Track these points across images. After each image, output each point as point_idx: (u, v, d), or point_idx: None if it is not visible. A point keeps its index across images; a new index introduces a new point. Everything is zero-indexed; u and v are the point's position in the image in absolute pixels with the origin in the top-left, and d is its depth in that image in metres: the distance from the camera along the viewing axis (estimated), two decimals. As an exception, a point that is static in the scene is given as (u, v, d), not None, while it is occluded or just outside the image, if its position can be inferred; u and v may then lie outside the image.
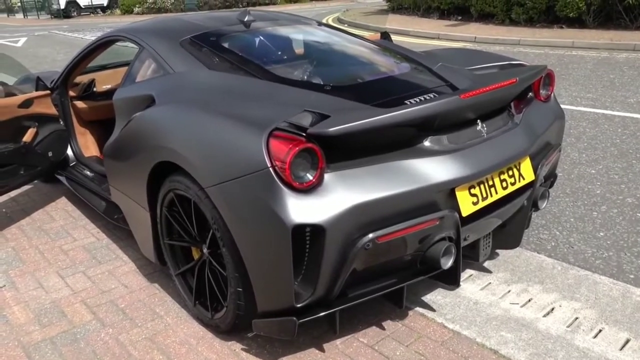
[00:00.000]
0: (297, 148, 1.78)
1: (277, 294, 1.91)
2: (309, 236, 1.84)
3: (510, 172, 2.29)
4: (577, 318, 2.32)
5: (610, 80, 6.90)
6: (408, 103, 2.21)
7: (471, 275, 2.65)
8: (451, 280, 2.17)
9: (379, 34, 4.39)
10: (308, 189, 1.82)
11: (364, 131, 1.85)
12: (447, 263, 2.07)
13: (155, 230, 2.51)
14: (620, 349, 2.13)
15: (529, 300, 2.46)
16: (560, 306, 2.41)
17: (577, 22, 11.16)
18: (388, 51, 3.01)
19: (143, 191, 2.45)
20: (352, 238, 1.87)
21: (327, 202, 1.82)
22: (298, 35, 3.09)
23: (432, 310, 2.40)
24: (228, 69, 2.53)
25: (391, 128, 1.92)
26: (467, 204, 2.11)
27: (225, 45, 2.76)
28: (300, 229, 1.80)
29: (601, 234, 3.05)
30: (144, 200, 2.47)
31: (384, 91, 2.37)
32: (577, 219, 3.23)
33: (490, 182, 2.20)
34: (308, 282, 1.89)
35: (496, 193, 2.23)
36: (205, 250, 2.25)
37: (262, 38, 2.92)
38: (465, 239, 2.19)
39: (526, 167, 2.37)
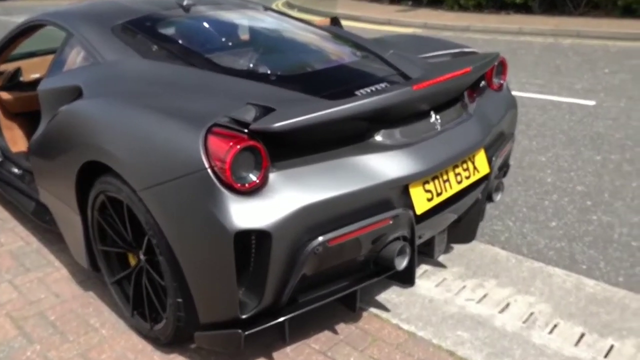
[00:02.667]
0: (238, 146, 1.63)
1: (220, 305, 1.76)
2: (253, 242, 1.69)
3: (465, 166, 2.21)
4: (532, 313, 2.28)
5: (557, 66, 7.01)
6: (359, 94, 2.08)
7: (426, 270, 2.58)
8: (406, 279, 2.07)
9: (328, 20, 4.23)
10: (251, 191, 1.67)
11: (312, 126, 1.71)
12: (402, 263, 1.97)
13: (87, 234, 2.30)
14: (576, 344, 2.10)
15: (485, 296, 2.40)
16: (515, 301, 2.37)
17: (524, 8, 11.34)
18: (337, 38, 2.87)
19: (72, 193, 2.23)
20: (300, 242, 1.73)
21: (272, 204, 1.68)
22: (242, 21, 2.90)
23: (387, 310, 2.30)
24: (164, 57, 2.33)
25: (341, 122, 1.79)
26: (421, 200, 2.01)
27: (162, 31, 2.55)
28: (243, 235, 1.65)
29: (553, 223, 3.04)
30: (74, 203, 2.26)
31: (333, 81, 2.24)
32: (530, 209, 3.22)
33: (445, 177, 2.11)
34: (254, 291, 1.75)
35: (451, 188, 2.14)
36: (142, 257, 2.06)
37: (202, 24, 2.72)
38: (420, 237, 2.10)
39: (481, 159, 2.30)
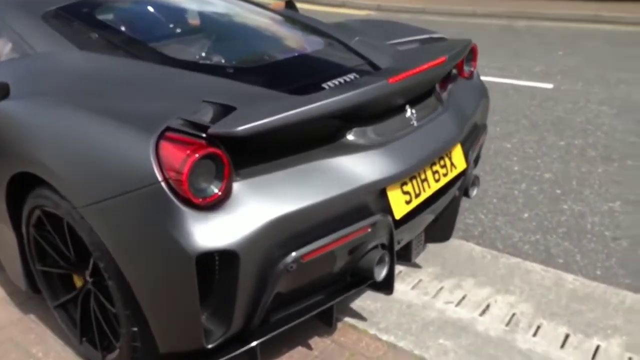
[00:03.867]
0: (196, 155, 1.41)
1: (183, 335, 1.56)
2: (217, 263, 1.49)
3: (442, 162, 2.07)
4: (514, 314, 2.18)
5: (514, 49, 7.01)
6: (326, 87, 1.89)
7: (400, 272, 2.44)
8: (385, 288, 1.92)
9: (283, 3, 3.99)
10: (212, 205, 1.46)
11: (280, 127, 1.51)
12: (382, 273, 1.81)
13: (24, 253, 2.03)
14: (562, 347, 2.01)
15: (464, 298, 2.29)
16: (495, 301, 2.26)
17: (476, -10, 11.35)
18: (297, 24, 2.66)
19: (2, 206, 1.95)
20: (271, 260, 1.54)
21: (237, 219, 1.48)
22: (191, 5, 2.64)
23: (363, 319, 2.15)
24: (105, 49, 2.06)
25: (312, 121, 1.60)
26: (399, 204, 1.85)
27: (101, 18, 2.27)
28: (206, 256, 1.44)
29: (525, 215, 2.97)
30: (5, 217, 1.98)
31: (297, 73, 2.04)
32: (500, 200, 3.13)
33: (423, 176, 1.96)
34: (220, 317, 1.55)
35: (429, 187, 1.99)
36: (88, 279, 1.83)
37: (147, 9, 2.45)
38: (398, 243, 1.95)
39: (457, 154, 2.16)
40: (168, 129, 1.49)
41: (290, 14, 2.93)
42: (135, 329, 1.64)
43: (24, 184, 1.85)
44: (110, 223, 1.51)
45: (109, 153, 1.51)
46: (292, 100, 1.64)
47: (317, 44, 2.37)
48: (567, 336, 2.06)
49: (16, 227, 1.99)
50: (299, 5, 4.03)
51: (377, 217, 1.74)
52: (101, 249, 1.58)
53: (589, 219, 2.89)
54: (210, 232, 1.44)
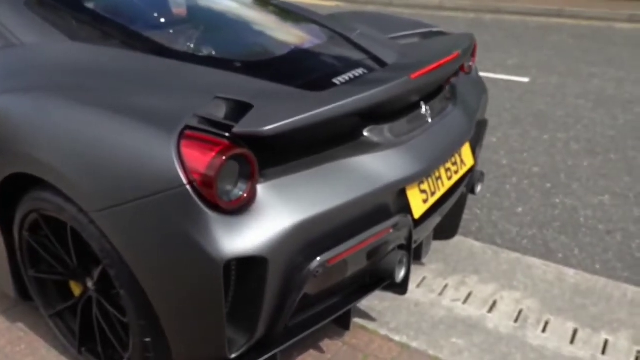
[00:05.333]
0: (224, 156, 1.32)
1: (205, 345, 1.47)
2: (244, 269, 1.41)
3: (454, 160, 2.04)
4: (521, 310, 2.19)
5: (485, 42, 7.09)
6: (337, 82, 1.83)
7: (405, 269, 2.41)
8: (401, 289, 1.88)
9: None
10: (239, 208, 1.38)
11: (306, 127, 1.44)
12: (401, 274, 1.77)
13: (14, 258, 1.89)
14: (572, 342, 2.03)
15: (470, 295, 2.28)
16: (502, 298, 2.26)
17: (443, -17, 11.45)
18: (294, 15, 2.57)
19: (-10, 210, 1.81)
20: (298, 264, 1.47)
21: (265, 223, 1.40)
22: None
23: (373, 320, 2.11)
24: (99, 40, 1.93)
25: (335, 120, 1.53)
26: (418, 203, 1.81)
27: (92, 6, 2.12)
28: (233, 262, 1.36)
29: (519, 209, 2.99)
30: (-6, 221, 1.83)
31: (305, 68, 1.96)
32: (493, 194, 3.15)
33: (437, 174, 1.93)
34: (244, 325, 1.47)
35: (443, 186, 1.96)
36: (90, 287, 1.71)
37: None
38: (415, 242, 1.91)
39: (466, 151, 2.14)
40: (187, 127, 1.40)
41: (284, 5, 2.84)
42: (148, 339, 1.54)
43: (16, 186, 1.72)
44: (126, 229, 1.40)
45: (124, 153, 1.40)
46: (316, 97, 1.57)
47: (318, 37, 2.29)
48: (575, 331, 2.08)
49: (5, 230, 1.84)
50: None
51: (398, 218, 1.69)
52: (113, 256, 1.48)
53: (582, 212, 2.93)
54: (238, 237, 1.35)
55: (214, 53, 1.99)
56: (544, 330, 2.08)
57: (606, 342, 2.03)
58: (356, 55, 2.13)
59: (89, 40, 1.93)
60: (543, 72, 5.57)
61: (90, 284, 1.72)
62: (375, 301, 2.20)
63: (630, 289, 2.28)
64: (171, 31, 2.14)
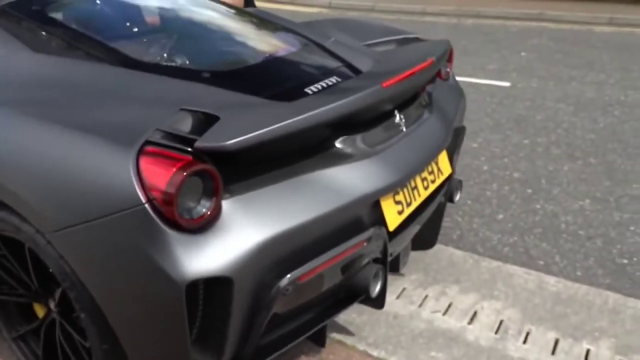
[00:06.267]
0: (185, 172, 1.26)
1: (168, 370, 1.40)
2: (207, 290, 1.35)
3: (430, 169, 1.99)
4: (502, 321, 2.14)
5: (465, 46, 7.10)
6: (309, 92, 1.78)
7: (383, 281, 2.35)
8: (378, 303, 1.82)
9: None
10: (201, 226, 1.32)
11: (274, 139, 1.38)
12: (377, 289, 1.72)
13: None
14: (553, 353, 1.99)
15: (450, 306, 2.23)
16: (482, 308, 2.22)
17: (425, -12, 11.49)
18: (266, 23, 2.52)
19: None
20: (266, 283, 1.41)
21: (230, 241, 1.34)
22: (154, 2, 2.45)
23: (351, 334, 2.06)
24: (62, 51, 1.86)
25: (304, 131, 1.47)
26: (393, 215, 1.76)
27: (56, 16, 2.05)
28: (196, 283, 1.30)
29: (500, 216, 2.95)
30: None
31: (276, 77, 1.91)
32: (474, 201, 3.11)
33: (413, 184, 1.88)
34: (211, 347, 1.41)
35: (419, 196, 1.91)
36: (53, 309, 1.64)
37: (107, 6, 2.25)
38: (391, 255, 1.85)
39: (443, 159, 2.09)
40: (147, 142, 1.33)
41: (256, 12, 2.78)
42: (112, 364, 1.47)
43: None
44: (83, 250, 1.34)
45: (81, 171, 1.33)
46: (283, 108, 1.51)
47: (292, 45, 2.24)
48: (557, 341, 2.04)
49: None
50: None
51: (372, 231, 1.64)
52: (72, 278, 1.41)
53: (562, 218, 2.90)
54: (201, 257, 1.29)
55: (182, 63, 1.93)
56: (524, 341, 2.04)
57: (588, 352, 1.99)
58: (330, 63, 2.09)
59: (53, 51, 1.86)
60: (523, 76, 5.58)
61: (52, 306, 1.65)
62: (353, 314, 2.14)
63: (611, 296, 2.25)
64: (139, 41, 2.08)
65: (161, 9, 2.35)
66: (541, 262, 2.55)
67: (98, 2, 2.20)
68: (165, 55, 1.95)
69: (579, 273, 2.48)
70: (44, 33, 1.92)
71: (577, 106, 4.65)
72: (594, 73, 5.65)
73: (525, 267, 2.47)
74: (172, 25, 2.27)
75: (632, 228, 2.80)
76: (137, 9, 2.30)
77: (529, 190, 3.21)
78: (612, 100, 4.78)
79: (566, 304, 2.22)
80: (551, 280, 2.37)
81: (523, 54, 6.51)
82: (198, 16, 2.38)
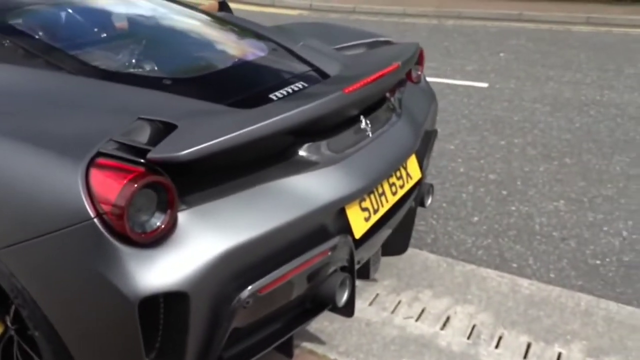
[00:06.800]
0: (136, 185, 1.22)
1: (126, 388, 1.36)
2: (164, 305, 1.31)
3: (398, 174, 1.97)
4: (474, 326, 2.13)
5: (446, 47, 7.12)
6: (274, 98, 1.75)
7: (356, 287, 2.32)
8: (347, 311, 1.79)
9: (216, 3, 3.79)
10: (155, 240, 1.28)
11: (231, 148, 1.35)
12: (343, 297, 1.69)
13: None
14: (525, 357, 1.97)
15: (423, 311, 2.21)
16: (455, 313, 2.20)
17: (405, -10, 11.52)
18: (236, 27, 2.48)
19: None
20: (225, 296, 1.38)
21: (185, 254, 1.30)
22: (117, 7, 2.41)
23: (322, 343, 2.03)
24: (20, 59, 1.80)
25: (264, 139, 1.44)
26: (359, 222, 1.74)
27: (14, 23, 1.99)
28: (150, 299, 1.26)
29: (475, 218, 2.94)
30: None
31: (241, 83, 1.88)
32: (449, 203, 3.10)
33: (380, 190, 1.86)
34: (169, 364, 1.37)
35: (387, 202, 1.89)
36: (10, 324, 1.58)
37: (67, 13, 2.19)
38: (358, 263, 1.83)
39: (412, 164, 2.07)
40: (99, 154, 1.29)
41: (226, 17, 2.75)
42: (69, 383, 1.42)
43: None
44: (34, 267, 1.29)
45: (30, 185, 1.29)
46: (242, 116, 1.48)
47: (259, 50, 2.21)
48: (529, 345, 2.03)
49: None
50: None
51: (337, 240, 1.61)
52: (23, 295, 1.36)
53: (537, 219, 2.90)
54: (154, 272, 1.25)
55: (144, 71, 1.89)
56: (497, 346, 2.03)
57: (559, 356, 1.98)
58: (298, 68, 2.06)
59: (10, 60, 1.81)
60: (501, 77, 5.60)
61: (9, 322, 1.60)
62: (324, 322, 2.11)
63: (584, 298, 2.25)
64: (101, 48, 2.03)
65: (126, 15, 2.31)
66: (515, 265, 2.55)
67: (59, 9, 2.14)
68: (127, 62, 1.91)
69: (552, 275, 2.48)
70: (3, 41, 1.87)
71: (554, 106, 4.67)
72: (571, 73, 5.69)
73: (499, 270, 2.46)
74: (137, 32, 2.22)
75: (605, 228, 2.80)
76: (100, 15, 2.25)
77: (505, 192, 3.21)
78: (588, 100, 4.81)
79: (539, 306, 2.22)
80: (524, 282, 2.36)
81: (502, 54, 6.54)
82: (164, 22, 2.34)
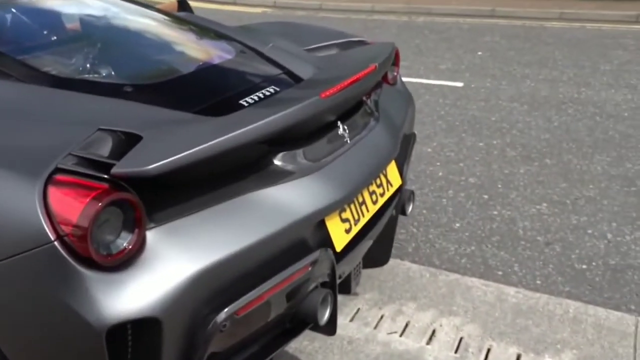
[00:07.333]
0: (100, 203, 1.18)
1: None
2: (135, 334, 1.27)
3: (379, 181, 1.97)
4: (462, 338, 2.14)
5: (417, 46, 7.21)
6: (245, 104, 1.73)
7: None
8: (328, 329, 1.78)
9: (175, 2, 3.75)
10: (122, 262, 1.24)
11: (203, 160, 1.32)
12: (325, 315, 1.67)
13: None
14: (515, 369, 2.00)
15: (407, 325, 2.22)
16: (441, 326, 2.21)
17: (373, -15, 11.64)
18: (200, 28, 2.45)
19: None
20: (200, 320, 1.35)
21: (156, 277, 1.27)
22: (69, 8, 2.35)
23: (302, 364, 2.01)
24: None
25: (238, 150, 1.42)
26: (339, 234, 1.73)
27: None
28: (119, 328, 1.22)
29: (457, 224, 2.97)
30: None
31: (209, 89, 1.85)
32: (430, 210, 3.12)
33: (361, 199, 1.85)
34: (140, 397, 1.33)
35: (367, 211, 1.89)
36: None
37: (12, 14, 2.13)
38: (340, 277, 1.82)
39: (392, 171, 2.08)
40: (57, 170, 1.25)
41: (187, 17, 2.71)
42: (28, 423, 1.37)
43: None
44: (-15, 296, 1.23)
45: (-22, 207, 1.23)
46: (213, 124, 1.46)
47: (225, 52, 2.18)
48: (518, 357, 2.05)
49: None
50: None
51: (317, 253, 1.59)
52: (-25, 327, 1.30)
53: (520, 224, 2.95)
54: (123, 297, 1.22)
55: (102, 77, 1.85)
56: (486, 359, 2.04)
57: (550, 366, 2.01)
58: (268, 71, 2.05)
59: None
60: (476, 76, 5.70)
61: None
62: (304, 342, 2.10)
63: (572, 305, 2.29)
64: (54, 53, 1.97)
65: (78, 15, 2.25)
66: (500, 272, 2.58)
67: (1, 9, 2.07)
68: (81, 67, 1.86)
69: (538, 282, 2.52)
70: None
71: (532, 105, 4.77)
72: (547, 70, 5.84)
73: (484, 279, 2.49)
74: (91, 34, 2.17)
75: (589, 231, 2.87)
76: (48, 16, 2.19)
77: (486, 196, 3.25)
78: (565, 98, 4.93)
79: (527, 315, 2.25)
80: (511, 291, 2.39)
81: (479, 53, 6.66)
82: (122, 23, 2.29)
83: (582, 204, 3.13)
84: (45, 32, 2.11)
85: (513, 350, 2.08)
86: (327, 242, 1.68)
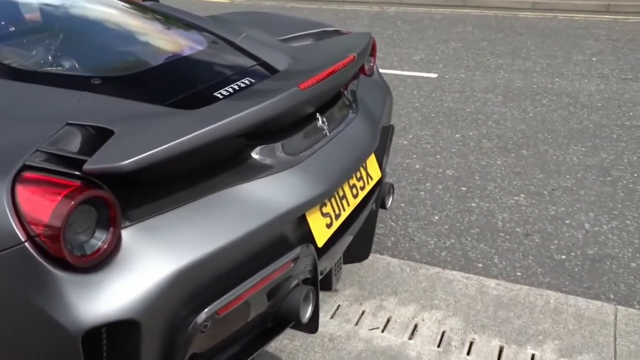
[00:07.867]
0: (73, 201, 1.15)
1: None
2: (113, 337, 1.25)
3: (359, 175, 1.98)
4: (444, 332, 2.17)
5: (390, 36, 7.25)
6: (219, 96, 1.71)
7: (316, 299, 2.32)
8: (310, 327, 1.78)
9: (140, -9, 3.69)
10: (97, 263, 1.22)
11: (179, 155, 1.30)
12: (307, 312, 1.67)
13: None
14: (498, 362, 2.03)
15: (389, 320, 2.23)
16: (422, 320, 2.23)
17: (343, -25, 11.65)
18: (167, 18, 2.41)
19: None
20: (180, 321, 1.33)
21: (133, 278, 1.24)
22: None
23: (283, 363, 2.01)
24: None
25: (215, 144, 1.40)
26: (321, 229, 1.73)
27: None
28: (96, 331, 1.20)
29: (436, 217, 3.00)
30: None
31: (181, 81, 1.83)
32: (408, 203, 3.15)
33: (341, 193, 1.85)
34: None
35: (348, 205, 1.89)
36: None
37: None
38: (321, 273, 1.82)
39: (372, 164, 2.09)
40: (25, 167, 1.22)
41: (155, 6, 2.67)
42: None
43: None
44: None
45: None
46: (188, 118, 1.43)
47: (197, 43, 2.15)
48: (501, 349, 2.09)
49: None
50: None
51: (299, 250, 1.59)
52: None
53: (499, 215, 3.00)
54: (98, 299, 1.19)
55: (68, 69, 1.80)
56: (468, 352, 2.07)
57: (533, 357, 2.05)
58: (242, 62, 2.03)
59: None
60: (450, 67, 5.76)
61: None
62: (285, 340, 2.09)
63: (552, 296, 2.34)
64: (10, 44, 1.91)
65: (38, 4, 2.19)
66: (480, 265, 2.62)
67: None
68: (44, 59, 1.81)
69: (518, 273, 2.56)
70: None
71: (506, 96, 4.85)
72: (520, 61, 5.93)
73: (465, 272, 2.53)
74: (53, 24, 2.10)
75: (567, 222, 2.93)
76: (9, 6, 2.12)
77: (464, 188, 3.29)
78: (540, 89, 5.02)
79: (508, 307, 2.29)
80: (491, 283, 2.43)
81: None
82: (86, 13, 2.24)
83: (559, 195, 3.20)
84: (2, 23, 2.05)
85: (495, 343, 2.11)
86: (308, 237, 1.68)
